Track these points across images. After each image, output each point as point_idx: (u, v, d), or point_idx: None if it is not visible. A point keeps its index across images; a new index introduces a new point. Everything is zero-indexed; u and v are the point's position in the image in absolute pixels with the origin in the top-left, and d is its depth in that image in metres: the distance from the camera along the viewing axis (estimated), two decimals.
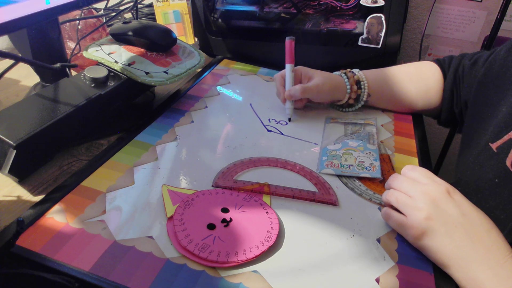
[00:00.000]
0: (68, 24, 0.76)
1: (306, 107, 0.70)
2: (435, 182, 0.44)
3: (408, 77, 0.67)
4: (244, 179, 0.51)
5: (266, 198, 0.49)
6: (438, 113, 0.68)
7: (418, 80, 0.67)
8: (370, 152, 0.57)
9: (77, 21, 0.76)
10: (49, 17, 0.55)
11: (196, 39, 0.88)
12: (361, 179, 0.53)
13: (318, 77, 0.65)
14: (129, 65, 0.61)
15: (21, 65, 0.64)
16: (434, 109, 0.68)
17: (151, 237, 0.42)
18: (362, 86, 0.66)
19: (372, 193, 0.51)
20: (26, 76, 0.75)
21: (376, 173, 0.53)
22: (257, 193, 0.49)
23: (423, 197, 0.42)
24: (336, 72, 0.69)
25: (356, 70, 0.68)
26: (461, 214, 0.41)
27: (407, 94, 0.67)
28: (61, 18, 0.70)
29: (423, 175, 0.45)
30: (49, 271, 0.38)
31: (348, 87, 0.66)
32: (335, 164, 0.54)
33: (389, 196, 0.45)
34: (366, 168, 0.54)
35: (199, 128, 0.62)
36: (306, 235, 0.44)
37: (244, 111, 0.68)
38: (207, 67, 0.82)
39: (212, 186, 0.50)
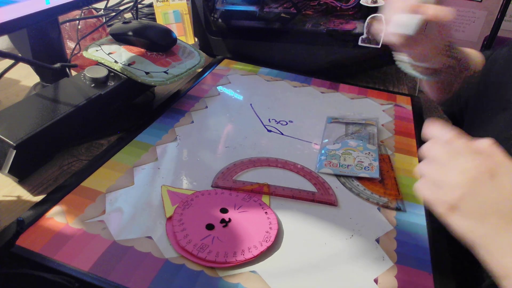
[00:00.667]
0: (68, 24, 0.76)
1: (306, 107, 0.70)
2: (477, 160, 0.38)
3: None
4: (243, 179, 0.51)
5: (265, 198, 0.49)
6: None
7: None
8: (369, 152, 0.57)
9: (77, 21, 0.76)
10: (49, 17, 0.55)
11: (196, 39, 0.88)
12: (359, 179, 0.53)
13: None
14: (129, 65, 0.61)
15: (21, 65, 0.64)
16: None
17: (150, 237, 0.42)
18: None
19: (370, 193, 0.51)
20: (26, 76, 0.75)
21: (375, 173, 0.53)
22: (256, 193, 0.49)
23: (461, 175, 0.38)
24: None
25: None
26: (499, 199, 0.37)
27: None
28: (61, 18, 0.70)
29: (465, 149, 0.39)
30: (49, 271, 0.38)
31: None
32: (334, 164, 0.54)
33: (425, 168, 0.41)
34: (364, 168, 0.54)
35: (199, 129, 0.62)
36: (305, 235, 0.45)
37: (244, 111, 0.68)
38: (207, 67, 0.82)
39: (212, 186, 0.50)
